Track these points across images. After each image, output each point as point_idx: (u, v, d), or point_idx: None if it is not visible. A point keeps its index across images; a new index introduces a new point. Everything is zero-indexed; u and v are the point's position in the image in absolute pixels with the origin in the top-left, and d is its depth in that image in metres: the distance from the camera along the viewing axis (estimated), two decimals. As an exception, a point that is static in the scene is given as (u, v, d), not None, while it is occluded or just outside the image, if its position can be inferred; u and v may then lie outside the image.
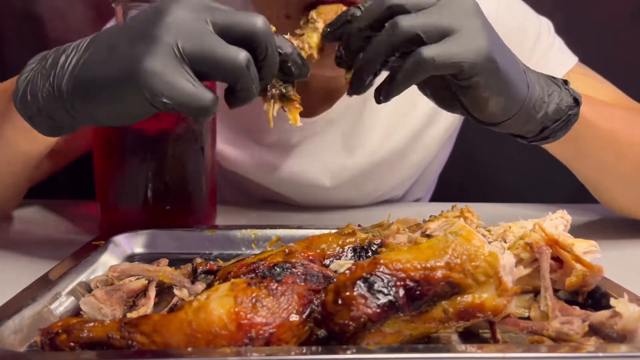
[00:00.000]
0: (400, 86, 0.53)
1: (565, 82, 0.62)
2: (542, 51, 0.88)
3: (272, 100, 0.54)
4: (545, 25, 0.90)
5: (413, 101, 0.90)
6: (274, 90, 0.54)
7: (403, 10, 0.51)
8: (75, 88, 0.51)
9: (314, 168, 0.91)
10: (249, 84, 0.48)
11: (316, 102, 0.89)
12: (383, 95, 0.54)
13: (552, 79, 0.62)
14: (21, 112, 0.55)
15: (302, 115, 0.88)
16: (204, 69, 0.47)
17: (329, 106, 0.89)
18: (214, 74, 0.48)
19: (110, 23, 0.91)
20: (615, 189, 0.77)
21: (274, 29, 0.51)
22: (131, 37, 0.48)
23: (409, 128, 0.91)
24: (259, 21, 0.48)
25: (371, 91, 0.92)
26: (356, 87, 0.55)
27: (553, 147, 0.69)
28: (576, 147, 0.70)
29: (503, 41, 0.56)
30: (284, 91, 0.54)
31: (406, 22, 0.50)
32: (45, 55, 0.56)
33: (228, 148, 0.92)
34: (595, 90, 0.83)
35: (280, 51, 0.51)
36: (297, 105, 0.55)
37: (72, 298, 0.50)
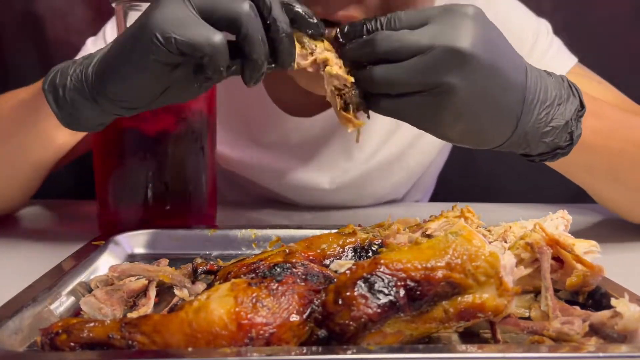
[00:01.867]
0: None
1: (582, 106, 0.59)
2: (541, 52, 0.88)
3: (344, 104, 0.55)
4: (544, 26, 0.90)
5: None
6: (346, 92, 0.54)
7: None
8: (100, 68, 0.53)
9: (313, 170, 0.91)
10: (253, 32, 0.49)
11: (311, 101, 0.89)
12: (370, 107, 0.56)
13: (572, 104, 0.58)
14: (47, 95, 0.56)
15: (301, 115, 0.90)
16: (212, 15, 0.49)
17: (326, 107, 0.89)
18: (220, 21, 0.49)
19: (110, 23, 0.91)
20: (615, 202, 0.77)
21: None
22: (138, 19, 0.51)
23: (407, 132, 0.91)
24: (243, 5, 0.49)
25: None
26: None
27: (563, 168, 0.69)
28: (567, 167, 0.69)
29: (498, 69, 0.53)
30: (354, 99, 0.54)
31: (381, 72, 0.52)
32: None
33: (228, 148, 0.92)
34: (594, 91, 0.83)
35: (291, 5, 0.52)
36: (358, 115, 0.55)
37: (72, 298, 0.50)
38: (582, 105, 0.58)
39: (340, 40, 0.55)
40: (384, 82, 0.52)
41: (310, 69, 0.54)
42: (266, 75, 0.51)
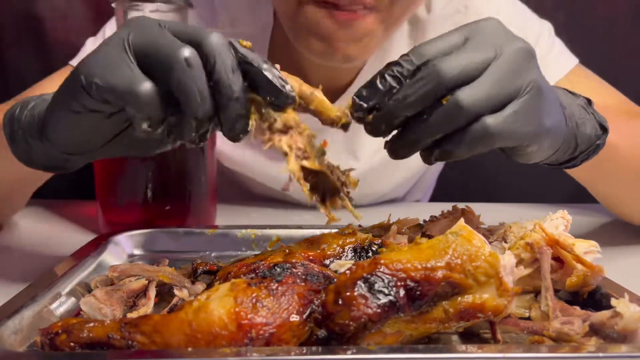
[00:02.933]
0: (459, 156, 0.46)
1: (589, 101, 0.58)
2: (542, 53, 0.88)
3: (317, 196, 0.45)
4: (545, 27, 0.90)
5: None
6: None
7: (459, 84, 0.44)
8: (46, 109, 0.49)
9: None
10: (188, 81, 0.41)
11: None
12: (435, 159, 0.47)
13: (581, 101, 0.57)
14: (5, 127, 0.52)
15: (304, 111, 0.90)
16: (146, 59, 0.43)
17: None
18: (155, 66, 0.42)
19: (110, 23, 0.91)
20: (635, 208, 0.77)
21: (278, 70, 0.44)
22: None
23: None
24: (212, 34, 0.43)
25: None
26: (402, 156, 0.48)
27: (574, 171, 0.68)
28: (599, 169, 0.68)
29: (549, 84, 0.50)
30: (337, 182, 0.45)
31: (468, 99, 0.43)
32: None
33: (228, 146, 0.92)
34: (594, 92, 0.83)
35: (246, 66, 0.43)
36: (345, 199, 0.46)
37: (72, 298, 0.50)
38: (587, 100, 0.58)
39: (361, 110, 0.45)
40: (480, 100, 0.44)
41: (266, 147, 0.44)
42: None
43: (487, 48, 0.45)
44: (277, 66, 0.44)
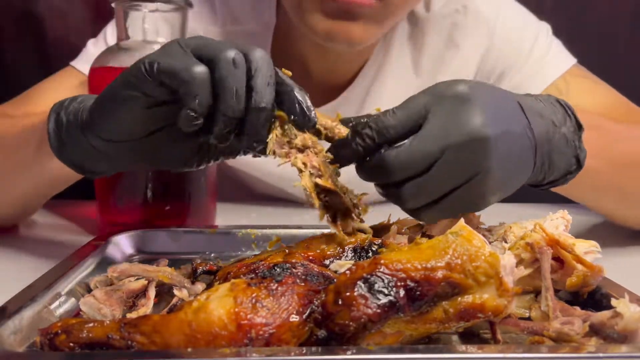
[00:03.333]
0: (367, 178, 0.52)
1: (580, 127, 0.55)
2: (540, 54, 0.88)
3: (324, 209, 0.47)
4: (544, 28, 0.90)
5: None
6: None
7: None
8: (94, 103, 0.52)
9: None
10: (230, 78, 0.45)
11: (316, 92, 0.89)
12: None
13: (568, 128, 0.54)
14: (50, 116, 0.55)
15: None
16: (199, 53, 0.46)
17: (331, 98, 0.89)
18: (206, 60, 0.46)
19: (111, 25, 0.91)
20: (623, 216, 0.77)
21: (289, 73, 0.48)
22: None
23: None
24: (259, 49, 0.47)
25: (373, 87, 0.92)
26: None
27: (570, 192, 0.68)
28: (576, 190, 0.69)
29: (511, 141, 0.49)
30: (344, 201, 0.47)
31: (392, 158, 0.49)
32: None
33: None
34: (591, 92, 0.83)
35: (280, 86, 0.47)
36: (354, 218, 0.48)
37: (72, 298, 0.50)
38: (578, 125, 0.55)
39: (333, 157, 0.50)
40: (421, 196, 0.49)
41: (282, 162, 0.48)
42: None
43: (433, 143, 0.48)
44: (308, 95, 0.48)
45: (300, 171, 0.46)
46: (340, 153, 0.50)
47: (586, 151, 0.55)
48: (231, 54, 0.45)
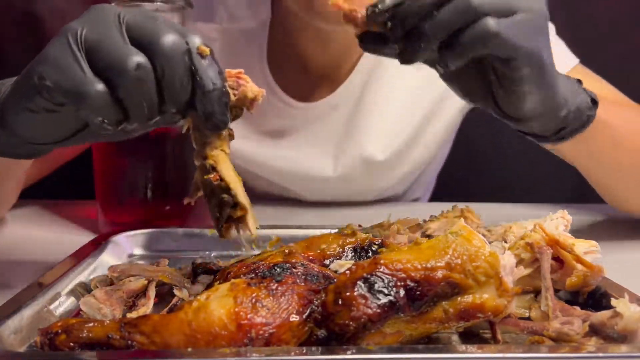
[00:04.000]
0: (459, 57, 0.48)
1: (579, 81, 0.61)
2: None
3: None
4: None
5: (415, 99, 0.91)
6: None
7: None
8: (5, 100, 0.47)
9: (316, 155, 0.92)
10: (135, 92, 0.41)
11: (315, 86, 0.89)
12: (440, 64, 0.50)
13: (570, 78, 0.60)
14: None
15: (303, 100, 0.90)
16: (98, 60, 0.41)
17: (330, 91, 0.89)
18: (104, 70, 0.41)
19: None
20: (629, 191, 0.77)
21: (237, 73, 0.44)
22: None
23: (411, 126, 0.91)
24: (168, 37, 0.41)
25: (372, 78, 0.92)
26: (409, 56, 0.49)
27: (565, 149, 0.69)
28: (589, 148, 0.69)
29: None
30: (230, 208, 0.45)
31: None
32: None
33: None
34: (594, 90, 0.83)
35: (199, 82, 0.42)
36: (249, 215, 0.45)
37: (72, 298, 0.50)
38: (594, 102, 0.60)
39: (379, 15, 0.48)
40: (487, 5, 0.47)
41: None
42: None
43: None
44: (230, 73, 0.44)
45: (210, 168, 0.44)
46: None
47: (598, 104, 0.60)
48: (132, 62, 0.40)
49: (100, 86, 0.41)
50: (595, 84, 0.86)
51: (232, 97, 0.44)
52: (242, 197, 0.44)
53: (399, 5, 0.48)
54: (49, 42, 0.44)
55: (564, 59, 0.88)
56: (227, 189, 0.44)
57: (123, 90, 0.41)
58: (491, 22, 0.47)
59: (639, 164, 0.73)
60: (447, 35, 0.48)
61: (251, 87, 0.45)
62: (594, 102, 0.60)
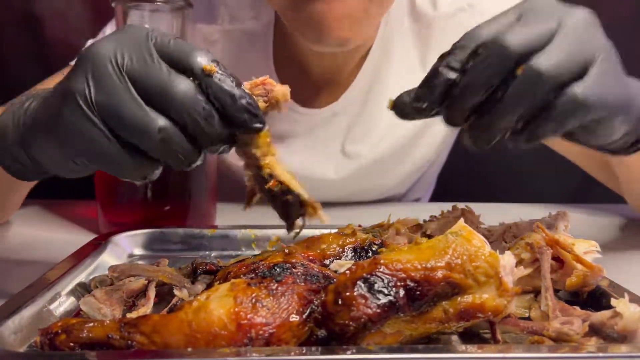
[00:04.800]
0: (549, 134, 0.43)
1: None
2: None
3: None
4: None
5: None
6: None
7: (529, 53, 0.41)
8: (26, 127, 0.46)
9: (318, 158, 0.92)
10: (166, 153, 0.41)
11: (318, 92, 0.89)
12: (525, 141, 0.43)
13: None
14: None
15: (306, 106, 0.90)
16: (115, 127, 0.41)
17: (333, 98, 0.89)
18: (126, 135, 0.41)
19: (110, 25, 0.91)
20: None
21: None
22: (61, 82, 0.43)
23: (412, 124, 0.92)
24: (179, 86, 0.40)
25: (375, 83, 0.92)
26: (484, 143, 0.44)
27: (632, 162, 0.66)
28: None
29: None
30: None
31: (546, 63, 0.40)
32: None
33: None
34: None
35: (219, 102, 0.41)
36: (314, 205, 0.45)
37: (72, 298, 0.50)
38: None
39: (421, 111, 0.43)
40: (558, 70, 0.41)
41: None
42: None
43: (547, 19, 0.42)
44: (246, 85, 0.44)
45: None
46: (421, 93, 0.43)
47: None
48: (156, 127, 0.40)
49: (131, 154, 0.41)
50: None
51: (263, 104, 0.44)
52: (305, 194, 0.45)
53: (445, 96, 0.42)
54: (58, 105, 0.42)
55: None
56: (289, 191, 0.44)
57: (154, 152, 0.41)
58: (577, 90, 0.41)
59: None
60: (526, 118, 0.42)
61: (280, 90, 0.45)
62: None
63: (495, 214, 0.54)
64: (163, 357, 0.36)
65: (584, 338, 0.41)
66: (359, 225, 0.55)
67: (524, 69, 0.40)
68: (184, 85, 0.41)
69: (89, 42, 0.90)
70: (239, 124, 0.42)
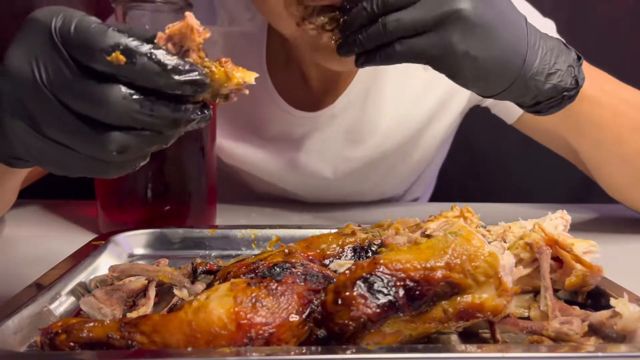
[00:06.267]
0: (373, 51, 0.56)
1: (579, 58, 0.61)
2: None
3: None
4: (548, 25, 0.91)
5: (416, 99, 0.91)
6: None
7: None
8: None
9: (316, 160, 0.92)
10: (140, 158, 0.42)
11: (317, 95, 0.89)
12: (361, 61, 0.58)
13: (572, 57, 0.60)
14: None
15: (304, 109, 0.90)
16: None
17: (331, 100, 0.89)
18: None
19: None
20: (613, 170, 0.78)
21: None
22: None
23: (411, 125, 0.92)
24: (111, 92, 0.37)
25: (373, 85, 0.92)
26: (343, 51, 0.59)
27: (552, 119, 0.69)
28: (576, 123, 0.71)
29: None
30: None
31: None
32: None
33: (229, 141, 0.92)
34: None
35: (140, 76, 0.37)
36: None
37: (72, 298, 0.50)
38: (578, 56, 0.61)
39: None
40: (401, 28, 0.54)
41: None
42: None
43: None
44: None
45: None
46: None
47: (585, 78, 0.60)
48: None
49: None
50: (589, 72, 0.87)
51: (198, 59, 0.42)
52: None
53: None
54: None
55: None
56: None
57: (118, 164, 0.41)
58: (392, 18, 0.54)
59: (629, 148, 0.74)
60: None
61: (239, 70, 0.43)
62: (577, 84, 0.60)
63: (495, 214, 0.54)
64: (163, 357, 0.36)
65: (583, 338, 0.41)
66: (359, 225, 0.55)
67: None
68: (113, 92, 0.37)
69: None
70: (186, 99, 0.39)
